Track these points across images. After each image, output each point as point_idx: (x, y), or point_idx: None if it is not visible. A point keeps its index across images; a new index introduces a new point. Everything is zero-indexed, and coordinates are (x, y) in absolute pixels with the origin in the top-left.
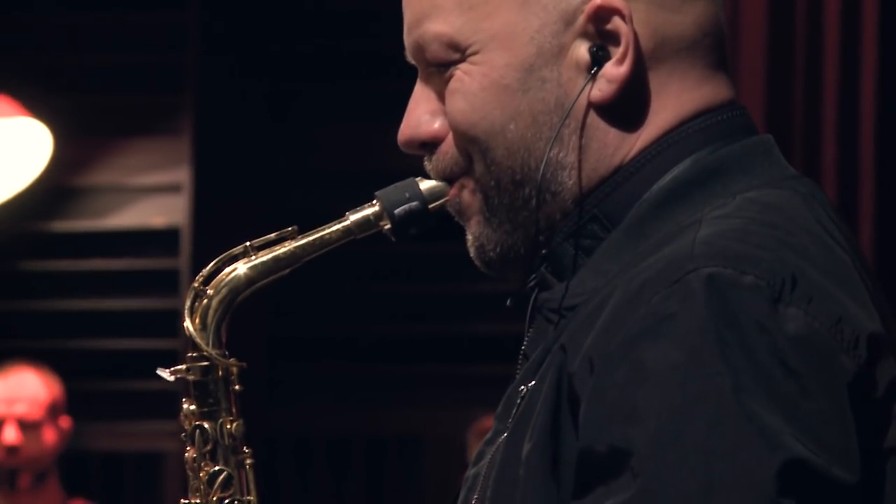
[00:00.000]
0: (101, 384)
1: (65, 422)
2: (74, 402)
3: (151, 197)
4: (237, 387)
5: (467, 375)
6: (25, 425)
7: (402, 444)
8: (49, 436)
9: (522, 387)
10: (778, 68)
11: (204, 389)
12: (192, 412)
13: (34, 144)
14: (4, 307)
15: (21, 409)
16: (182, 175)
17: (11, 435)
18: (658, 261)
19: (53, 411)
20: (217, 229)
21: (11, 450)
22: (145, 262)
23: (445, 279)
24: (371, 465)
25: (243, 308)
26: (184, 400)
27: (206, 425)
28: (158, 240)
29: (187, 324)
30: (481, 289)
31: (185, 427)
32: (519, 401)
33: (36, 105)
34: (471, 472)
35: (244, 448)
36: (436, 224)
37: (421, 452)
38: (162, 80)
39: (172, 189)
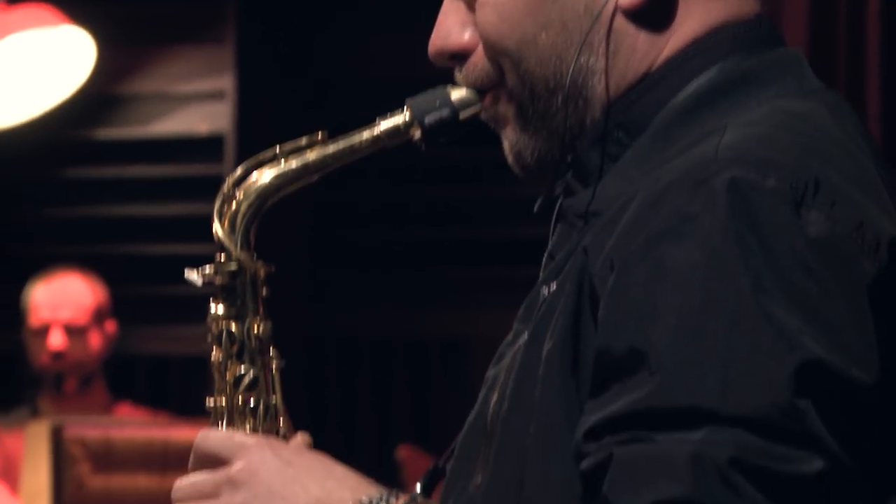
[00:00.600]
0: (146, 289)
1: (110, 326)
2: (121, 307)
3: (195, 104)
4: (265, 290)
5: (511, 278)
6: (71, 330)
7: (446, 347)
8: (95, 340)
9: (545, 288)
10: (820, 63)
11: (231, 292)
12: (220, 315)
13: (78, 53)
14: (50, 214)
15: (67, 315)
16: (226, 82)
17: (57, 340)
18: (682, 164)
19: (99, 316)
20: (260, 136)
21: (57, 355)
22: (189, 168)
23: (491, 182)
24: (415, 368)
25: (287, 211)
26: (211, 302)
27: (233, 327)
28: (202, 147)
29: (216, 227)
30: (527, 192)
31: (213, 329)
32: (541, 302)
33: (79, 13)
34: (491, 372)
35: (271, 350)
36: (466, 132)
37: (464, 355)
38: None
39: (216, 96)
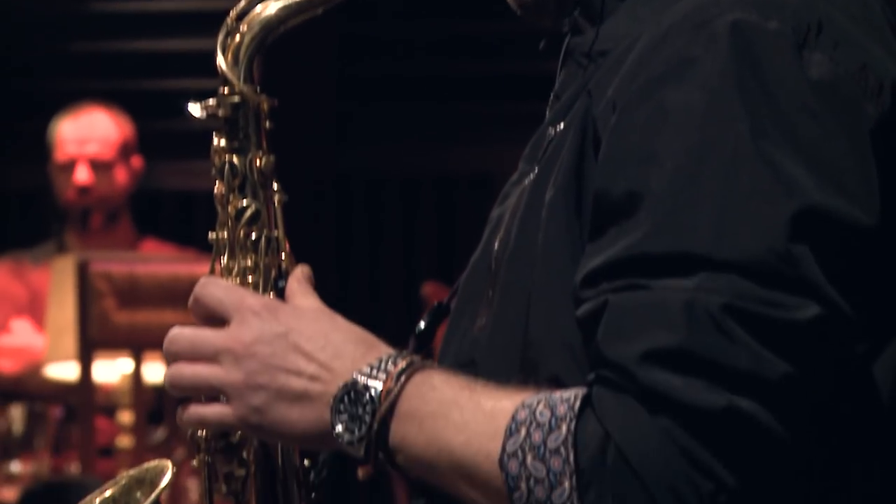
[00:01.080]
0: (171, 123)
1: (136, 161)
2: (146, 142)
3: None
4: (268, 123)
5: (538, 114)
6: (97, 165)
7: (472, 184)
8: (120, 175)
9: (551, 129)
10: None
11: (234, 125)
12: (222, 147)
13: None
14: (74, 49)
15: (93, 150)
16: None
17: (84, 175)
18: (686, 6)
19: (125, 151)
20: None
21: (83, 190)
22: (213, 2)
23: (513, 16)
24: (441, 205)
25: (311, 47)
26: (214, 135)
27: (235, 160)
28: None
29: (219, 59)
30: (544, 27)
31: (215, 163)
32: (546, 143)
33: None
34: (496, 212)
35: (273, 184)
36: None
37: (491, 191)
38: None
39: None
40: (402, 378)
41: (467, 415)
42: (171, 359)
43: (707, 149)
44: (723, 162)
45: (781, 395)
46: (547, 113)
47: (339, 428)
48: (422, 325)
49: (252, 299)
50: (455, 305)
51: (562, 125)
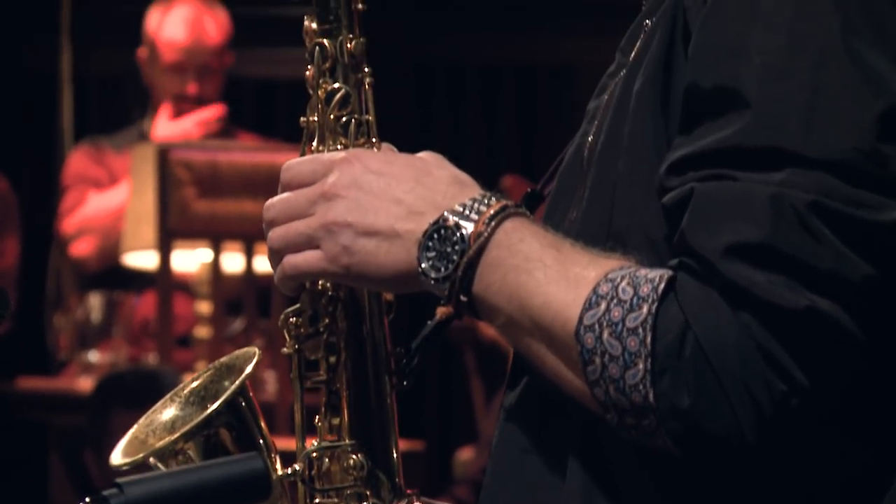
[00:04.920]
0: (252, 9)
1: (229, 58)
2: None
3: None
4: (360, 5)
5: (619, 3)
6: (204, 72)
7: (554, 73)
8: (218, 77)
9: (647, 21)
10: None
11: (325, 6)
12: (314, 30)
13: None
14: None
15: (201, 60)
16: None
17: (194, 86)
18: None
19: (224, 51)
20: None
21: (190, 97)
22: None
23: None
24: (523, 94)
25: None
26: (306, 17)
27: (325, 42)
28: None
29: None
30: None
31: (306, 44)
32: (642, 34)
33: None
34: (592, 104)
35: (364, 67)
36: None
37: (573, 81)
38: None
39: None
40: (494, 223)
41: (551, 275)
42: (269, 227)
43: (797, 45)
44: (812, 58)
45: (862, 297)
46: (643, 3)
47: (426, 265)
48: None
49: (341, 153)
50: (550, 197)
51: (656, 17)
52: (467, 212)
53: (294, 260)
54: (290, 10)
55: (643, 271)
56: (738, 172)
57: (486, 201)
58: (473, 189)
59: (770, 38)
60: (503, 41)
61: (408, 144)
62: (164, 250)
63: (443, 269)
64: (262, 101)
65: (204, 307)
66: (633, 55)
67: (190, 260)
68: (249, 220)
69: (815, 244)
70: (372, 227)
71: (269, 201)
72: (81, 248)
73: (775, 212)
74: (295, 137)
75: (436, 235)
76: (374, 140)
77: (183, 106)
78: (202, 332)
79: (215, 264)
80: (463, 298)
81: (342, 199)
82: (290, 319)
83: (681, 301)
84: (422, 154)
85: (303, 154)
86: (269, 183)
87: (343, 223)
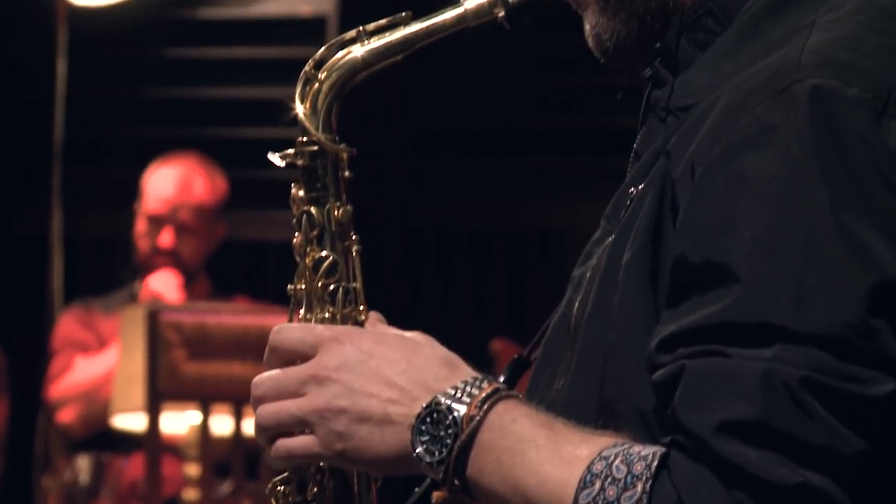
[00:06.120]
0: (245, 172)
1: (221, 229)
2: None
3: None
4: (347, 173)
5: (610, 169)
6: (183, 229)
7: (544, 238)
8: (204, 241)
9: (632, 189)
10: None
11: (312, 174)
12: (301, 197)
13: None
14: (150, 94)
15: (184, 215)
16: None
17: (167, 239)
18: (765, 68)
19: (214, 217)
20: (363, 18)
21: (164, 251)
22: (291, 50)
23: (592, 71)
24: (513, 259)
25: (389, 99)
26: (293, 185)
27: (312, 211)
28: (305, 28)
29: (297, 108)
30: (621, 80)
31: (294, 212)
32: (628, 202)
33: None
34: (577, 271)
35: (352, 235)
36: (552, 15)
37: (562, 247)
38: None
39: None
40: (486, 406)
41: (544, 455)
42: (257, 403)
43: (786, 218)
44: (802, 233)
45: (855, 471)
46: (628, 171)
47: (420, 449)
48: (502, 378)
49: (332, 330)
50: (536, 364)
51: (641, 186)
52: (459, 395)
53: (288, 444)
54: (281, 173)
55: (636, 448)
56: (729, 349)
57: (477, 384)
58: (464, 371)
59: (759, 213)
60: (493, 205)
61: (397, 309)
62: (153, 412)
63: (437, 452)
64: (253, 263)
65: (192, 469)
66: (619, 224)
67: (179, 422)
68: (239, 382)
69: (806, 420)
70: (365, 412)
71: (259, 377)
72: (66, 416)
73: (766, 388)
74: (285, 300)
75: (429, 419)
76: (361, 308)
77: (157, 259)
78: (190, 494)
79: (204, 426)
80: (457, 482)
81: (333, 382)
82: (279, 488)
83: (674, 479)
84: (410, 333)
85: (290, 322)
86: (258, 345)
87: (336, 409)
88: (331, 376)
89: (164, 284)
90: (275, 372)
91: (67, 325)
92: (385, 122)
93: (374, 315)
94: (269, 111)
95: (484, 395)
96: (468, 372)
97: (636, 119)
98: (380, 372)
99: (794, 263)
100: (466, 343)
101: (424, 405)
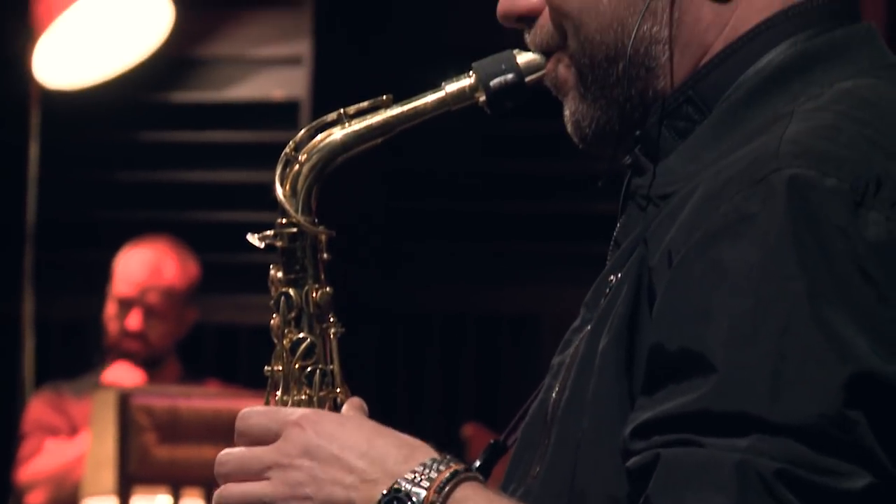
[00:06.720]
0: (217, 256)
1: (191, 315)
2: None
3: (271, 69)
4: (325, 255)
5: (584, 254)
6: (152, 313)
7: (517, 323)
8: (174, 325)
9: (611, 277)
10: None
11: (291, 256)
12: (279, 279)
13: (154, 14)
14: (123, 178)
15: (152, 298)
16: (302, 47)
17: (135, 322)
18: (744, 157)
19: (184, 301)
20: (335, 103)
21: (131, 334)
22: (264, 134)
23: (565, 156)
24: (484, 344)
25: (359, 182)
26: (272, 266)
27: (291, 292)
28: (277, 112)
29: (277, 190)
30: (599, 167)
31: (272, 294)
32: (607, 291)
33: None
34: (556, 359)
35: (329, 317)
36: (535, 101)
37: (535, 332)
38: None
39: (293, 61)
40: (446, 489)
41: None
42: (221, 481)
43: (763, 309)
44: (778, 323)
45: None
46: (607, 259)
47: None
48: (477, 463)
49: (295, 414)
50: (514, 450)
51: (620, 274)
52: (419, 478)
53: None
54: (254, 257)
55: None
56: (704, 438)
57: (437, 467)
58: (424, 452)
59: (736, 302)
60: (466, 289)
61: (368, 392)
62: (124, 496)
63: None
64: (225, 346)
65: None
66: (598, 312)
67: None
68: (209, 466)
69: None
70: (329, 499)
71: (225, 454)
72: (35, 499)
73: (741, 479)
74: (257, 384)
75: None
76: (338, 390)
77: (124, 342)
78: None
79: None
80: None
81: (296, 469)
82: None
83: None
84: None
85: (267, 403)
86: (229, 429)
87: (301, 496)
88: (294, 463)
89: (122, 377)
90: (241, 450)
91: (38, 408)
92: (358, 203)
93: (354, 401)
94: (242, 195)
95: (443, 478)
96: (429, 453)
97: (611, 205)
98: (341, 456)
99: (770, 353)
100: (438, 427)
101: (385, 491)
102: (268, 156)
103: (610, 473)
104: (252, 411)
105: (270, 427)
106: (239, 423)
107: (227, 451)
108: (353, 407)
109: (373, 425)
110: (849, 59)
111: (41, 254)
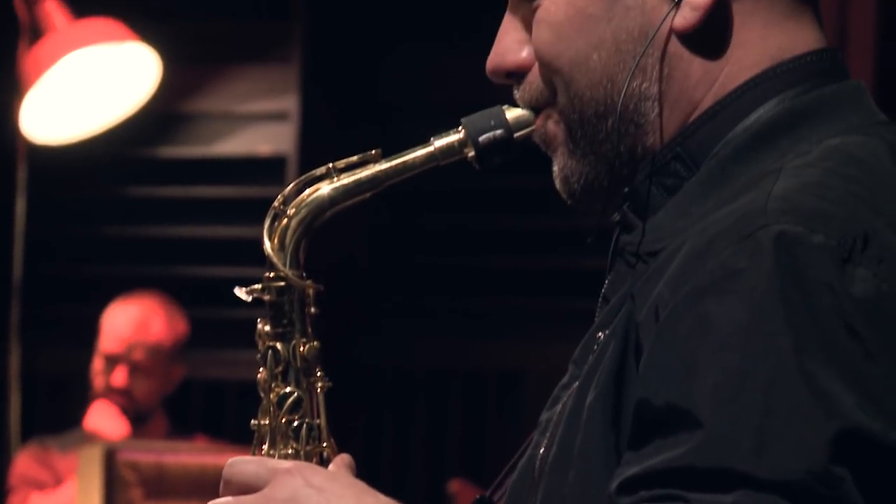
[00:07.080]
0: (204, 311)
1: (178, 372)
2: None
3: (258, 125)
4: (313, 309)
5: (571, 310)
6: (138, 369)
7: (503, 378)
8: (160, 382)
9: (600, 334)
10: (886, 94)
11: (279, 310)
12: (267, 333)
13: (141, 69)
14: (109, 233)
15: (138, 355)
16: (289, 103)
17: (120, 378)
18: (732, 213)
19: (171, 358)
20: (323, 159)
21: (116, 390)
22: (251, 190)
23: (553, 212)
24: (470, 399)
25: (343, 234)
26: (259, 320)
27: (278, 346)
28: (264, 168)
29: (265, 243)
30: (586, 223)
31: (259, 348)
32: (595, 347)
33: (144, 30)
34: (545, 415)
35: (317, 371)
36: (524, 156)
37: (521, 387)
38: (271, 8)
39: (279, 117)
40: None
41: None
42: None
43: (749, 365)
44: (764, 378)
45: None
46: (596, 316)
47: None
48: None
49: (286, 463)
50: None
51: (608, 331)
52: None
53: None
54: (240, 312)
55: None
56: (690, 493)
57: None
58: None
59: (722, 358)
60: (451, 345)
61: (353, 448)
62: None
63: None
64: (212, 402)
65: None
66: (586, 368)
67: None
68: None
69: None
70: None
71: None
72: None
73: None
74: (243, 439)
75: None
76: (324, 444)
77: (109, 398)
78: None
79: None
80: None
81: None
82: None
83: None
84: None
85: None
86: (215, 484)
87: None
88: None
89: (102, 419)
90: (228, 499)
91: (24, 463)
92: (341, 258)
93: (344, 457)
94: (229, 250)
95: None
96: None
97: (599, 261)
98: None
99: (756, 409)
100: (424, 482)
101: None
102: (254, 211)
103: None
104: (241, 459)
105: (260, 474)
106: (227, 471)
107: (213, 501)
108: (343, 464)
109: (362, 485)
110: (837, 116)
111: (28, 308)
